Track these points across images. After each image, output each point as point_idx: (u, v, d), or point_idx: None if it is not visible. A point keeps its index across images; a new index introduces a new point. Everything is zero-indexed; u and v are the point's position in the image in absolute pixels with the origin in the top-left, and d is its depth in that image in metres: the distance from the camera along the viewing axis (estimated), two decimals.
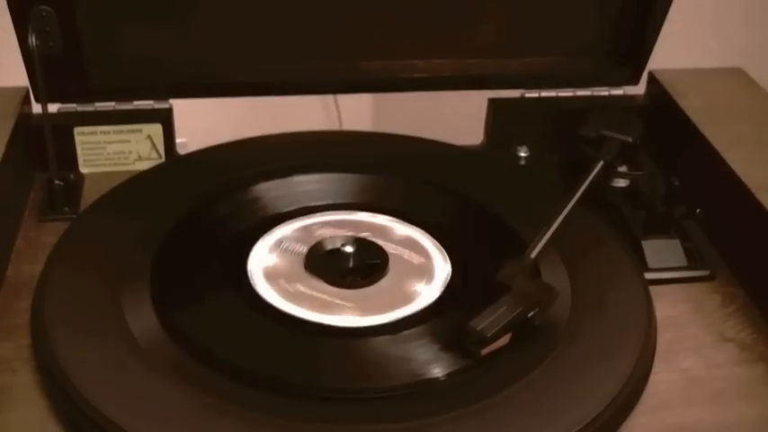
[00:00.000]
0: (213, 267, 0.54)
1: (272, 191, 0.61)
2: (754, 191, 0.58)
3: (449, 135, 0.67)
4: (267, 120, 0.72)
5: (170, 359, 0.46)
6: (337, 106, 0.99)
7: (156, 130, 0.68)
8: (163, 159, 0.68)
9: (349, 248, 0.57)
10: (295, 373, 0.47)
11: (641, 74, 0.70)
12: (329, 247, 0.57)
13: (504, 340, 0.49)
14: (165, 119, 0.68)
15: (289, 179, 0.61)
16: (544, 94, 0.71)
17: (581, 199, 0.57)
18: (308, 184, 0.61)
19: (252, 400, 0.44)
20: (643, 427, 0.49)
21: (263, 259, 0.55)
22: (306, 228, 0.58)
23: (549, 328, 0.50)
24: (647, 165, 0.66)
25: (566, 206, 0.57)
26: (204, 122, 0.79)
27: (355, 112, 0.98)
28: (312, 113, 0.98)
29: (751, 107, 0.68)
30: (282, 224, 0.58)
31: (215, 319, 0.50)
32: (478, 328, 0.48)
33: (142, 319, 0.49)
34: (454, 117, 0.79)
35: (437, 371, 0.49)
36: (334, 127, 0.98)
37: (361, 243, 0.57)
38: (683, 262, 0.60)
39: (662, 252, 0.60)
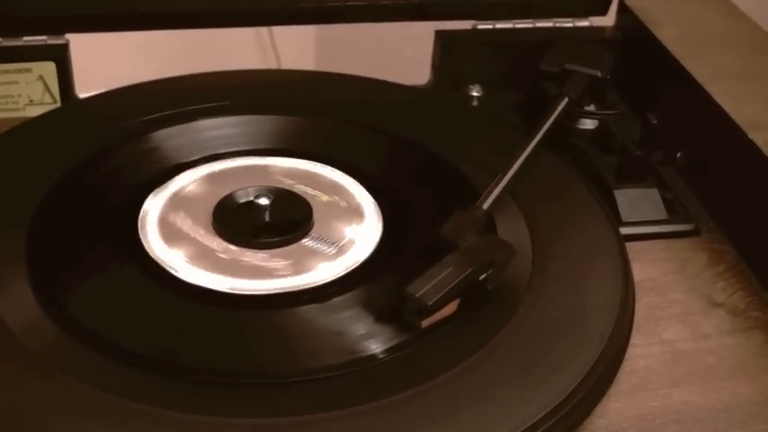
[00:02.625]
0: (103, 232, 0.48)
1: (174, 138, 0.55)
2: (744, 128, 0.53)
3: (398, 77, 0.61)
4: (195, 63, 0.66)
5: (53, 349, 0.41)
6: (275, 47, 0.92)
7: (48, 69, 0.62)
8: (58, 104, 0.62)
9: (264, 201, 0.50)
10: (193, 355, 0.42)
11: (610, 1, 0.65)
12: (240, 200, 0.51)
13: (450, 309, 0.44)
14: (60, 57, 0.61)
15: (193, 124, 0.55)
16: (499, 25, 0.66)
17: (543, 142, 0.52)
18: (214, 129, 0.56)
19: (145, 388, 0.39)
20: (619, 413, 0.43)
21: (159, 219, 0.50)
22: (208, 178, 0.53)
23: (505, 295, 0.45)
24: (618, 104, 0.61)
25: (525, 149, 0.52)
26: (124, 68, 0.73)
27: (297, 54, 0.93)
28: (247, 55, 0.92)
29: (735, 37, 0.62)
30: (179, 176, 0.52)
31: (104, 296, 0.45)
32: (417, 295, 0.42)
33: (16, 300, 0.43)
34: (403, 56, 0.74)
35: (366, 347, 0.43)
36: None
37: (279, 194, 0.51)
38: (662, 214, 0.54)
39: (638, 203, 0.54)
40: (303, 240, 0.49)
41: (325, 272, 0.47)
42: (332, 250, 0.49)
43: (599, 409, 0.43)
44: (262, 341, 0.43)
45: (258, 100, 0.58)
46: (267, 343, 0.43)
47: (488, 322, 0.44)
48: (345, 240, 0.49)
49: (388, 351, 0.42)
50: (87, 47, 0.65)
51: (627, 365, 0.45)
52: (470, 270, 0.44)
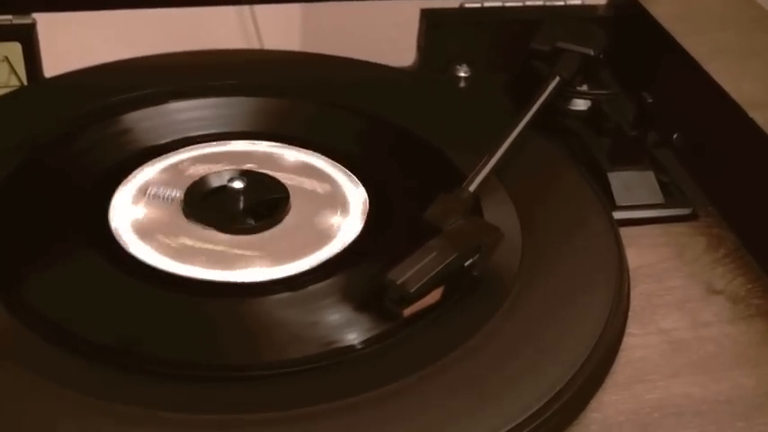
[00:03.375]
0: (66, 219, 0.46)
1: (144, 121, 0.53)
2: (744, 107, 0.51)
3: (385, 61, 0.60)
4: (174, 45, 0.63)
5: (4, 337, 0.39)
6: (257, 29, 0.90)
7: (14, 50, 0.60)
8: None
9: (238, 184, 0.48)
10: (157, 346, 0.40)
11: None
12: (213, 184, 0.49)
13: (434, 297, 0.42)
14: (26, 37, 0.59)
15: (164, 106, 0.54)
16: (487, 3, 0.64)
17: (533, 123, 0.50)
18: (187, 112, 0.54)
19: (103, 380, 0.38)
20: (614, 405, 0.42)
21: (127, 205, 0.48)
22: (174, 167, 0.51)
23: (493, 282, 0.44)
24: (611, 84, 0.60)
25: (513, 130, 0.50)
26: (97, 50, 0.69)
27: (281, 38, 0.90)
28: (228, 38, 0.89)
29: (734, 13, 0.61)
30: (144, 165, 0.50)
31: (64, 284, 0.43)
32: (398, 282, 0.40)
33: None
34: (390, 41, 0.71)
35: (343, 338, 0.41)
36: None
37: (254, 178, 0.49)
38: (658, 198, 0.53)
39: (633, 186, 0.53)
40: (279, 226, 0.47)
41: (301, 259, 0.46)
42: (309, 236, 0.47)
43: (594, 403, 0.42)
44: (230, 332, 0.42)
45: (234, 81, 0.56)
46: (235, 334, 0.42)
47: (475, 311, 0.42)
48: (324, 226, 0.48)
49: (367, 342, 0.41)
50: (58, 27, 0.63)
51: (623, 356, 0.44)
52: (455, 255, 0.42)
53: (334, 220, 0.48)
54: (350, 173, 0.51)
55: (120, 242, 0.45)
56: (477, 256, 0.43)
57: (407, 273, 0.41)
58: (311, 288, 0.43)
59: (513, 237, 0.46)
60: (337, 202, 0.49)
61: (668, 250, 0.51)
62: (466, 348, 0.40)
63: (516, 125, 0.50)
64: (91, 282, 0.43)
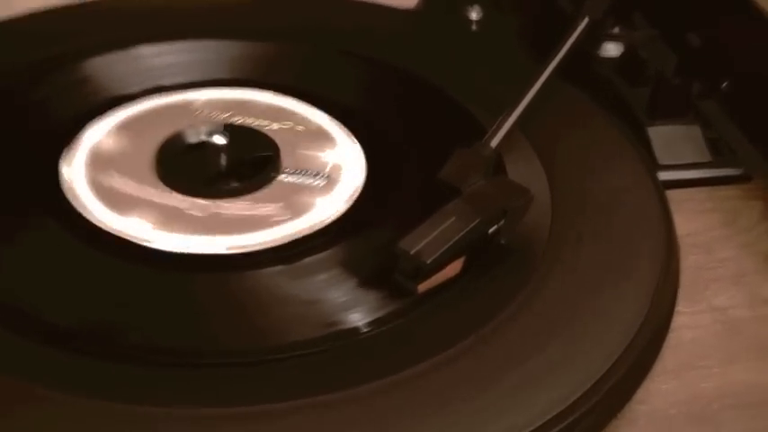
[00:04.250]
0: (21, 179, 0.46)
1: (110, 67, 0.52)
2: None
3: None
4: None
5: None
6: None
7: None
8: None
9: (220, 140, 0.48)
10: (134, 330, 0.39)
11: None
12: (190, 140, 0.48)
13: (453, 270, 0.41)
14: None
15: (132, 50, 0.53)
16: None
17: (559, 70, 0.49)
18: (157, 57, 0.53)
19: (75, 372, 0.37)
20: (664, 396, 0.41)
21: (93, 172, 0.46)
22: (144, 119, 0.50)
23: (521, 251, 0.43)
24: (646, 27, 0.58)
25: (539, 77, 0.49)
26: None
27: None
28: None
29: None
30: (110, 117, 0.49)
31: (22, 259, 0.42)
32: (412, 252, 0.40)
33: None
34: None
35: (347, 319, 0.40)
36: None
37: (237, 131, 0.48)
38: (705, 156, 0.52)
39: (676, 143, 0.52)
40: (267, 188, 0.46)
41: (295, 227, 0.44)
42: (303, 199, 0.46)
43: (640, 393, 0.40)
44: (218, 312, 0.41)
45: (210, 23, 0.55)
46: (224, 314, 0.41)
47: (501, 286, 0.42)
48: (321, 188, 0.47)
49: (375, 323, 0.40)
50: None
51: (672, 338, 0.42)
52: (477, 221, 0.41)
53: (333, 180, 0.48)
54: (349, 128, 0.50)
55: (83, 210, 0.44)
56: (502, 221, 0.43)
57: (422, 241, 0.40)
58: (307, 260, 0.43)
59: (542, 199, 0.45)
60: (336, 159, 0.49)
61: (717, 217, 0.50)
62: (489, 330, 0.39)
63: (542, 72, 0.49)
64: (48, 254, 0.42)
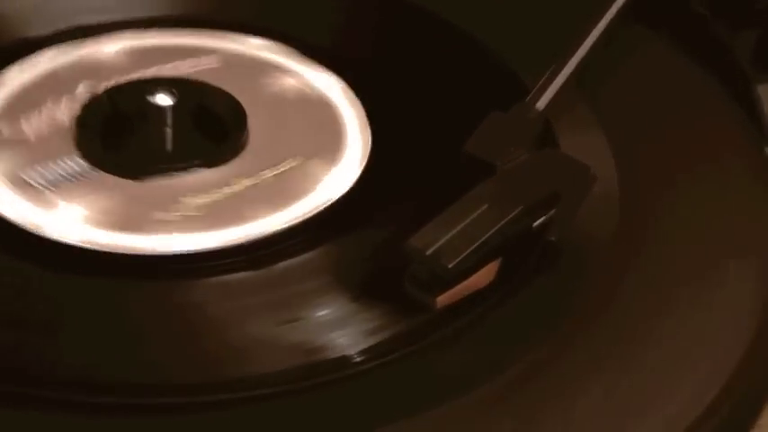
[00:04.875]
0: None
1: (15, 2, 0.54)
2: None
3: None
4: None
5: None
6: None
7: None
8: None
9: (163, 100, 0.48)
10: (50, 359, 0.40)
11: None
12: (121, 102, 0.49)
13: (483, 278, 0.41)
14: None
15: None
16: None
17: (628, 8, 0.51)
18: None
19: None
20: None
21: None
22: (61, 72, 0.51)
23: (578, 254, 0.43)
24: None
25: (602, 18, 0.50)
26: None
27: None
28: None
29: None
30: (12, 69, 0.51)
31: None
32: (428, 253, 0.39)
33: None
34: None
35: (336, 346, 0.40)
36: None
37: (187, 89, 0.49)
38: None
39: None
40: (229, 165, 0.47)
41: (266, 218, 0.45)
42: (278, 183, 0.47)
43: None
44: (162, 333, 0.41)
45: None
46: (172, 337, 0.41)
47: (551, 300, 0.42)
48: (302, 167, 0.48)
49: (374, 352, 0.40)
50: None
51: None
52: (518, 210, 0.41)
53: (317, 157, 0.48)
54: (346, 81, 0.51)
55: None
56: (552, 211, 0.42)
57: (442, 238, 0.40)
58: (282, 264, 0.43)
59: (607, 181, 0.45)
60: (322, 127, 0.49)
61: None
62: (535, 361, 0.39)
63: (605, 11, 0.50)
64: None
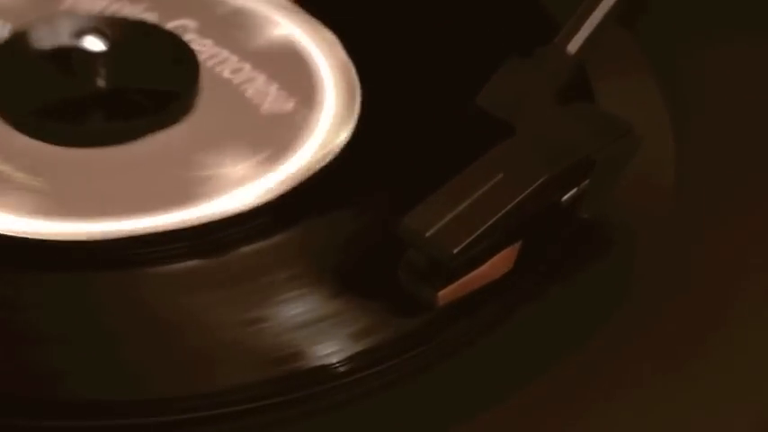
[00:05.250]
0: None
1: None
2: None
3: None
4: None
5: None
6: None
7: None
8: None
9: (95, 44, 0.48)
10: None
11: None
12: (42, 44, 0.49)
13: (498, 267, 0.41)
14: None
15: None
16: None
17: None
18: None
19: None
20: None
21: None
22: None
23: (619, 238, 0.44)
24: None
25: None
26: None
27: None
28: None
29: None
30: None
31: None
32: (428, 235, 0.39)
33: None
34: None
35: (313, 353, 0.40)
36: None
37: (124, 30, 0.49)
38: None
39: None
40: (178, 127, 0.47)
41: (223, 195, 0.45)
42: (239, 148, 0.47)
43: None
44: (88, 339, 0.41)
45: None
46: (99, 343, 0.41)
47: (584, 298, 0.42)
48: (269, 127, 0.48)
49: (358, 361, 0.40)
50: None
51: None
52: (542, 180, 0.41)
53: (290, 120, 0.48)
54: (326, 23, 0.52)
55: None
56: (586, 182, 0.42)
57: (445, 217, 0.39)
58: (244, 250, 0.43)
59: (658, 145, 0.45)
60: (298, 83, 0.49)
61: None
62: (565, 373, 0.40)
63: None
64: None
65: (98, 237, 0.44)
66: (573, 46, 0.46)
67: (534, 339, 0.41)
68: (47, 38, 0.49)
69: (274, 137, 0.48)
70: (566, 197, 0.42)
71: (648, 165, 0.44)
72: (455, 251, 0.39)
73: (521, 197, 0.40)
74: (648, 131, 0.44)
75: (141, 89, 0.49)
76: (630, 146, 0.43)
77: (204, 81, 0.49)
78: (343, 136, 0.47)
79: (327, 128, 0.48)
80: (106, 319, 0.42)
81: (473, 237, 0.39)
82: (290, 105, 0.50)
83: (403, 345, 0.40)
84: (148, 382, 0.40)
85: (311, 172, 0.46)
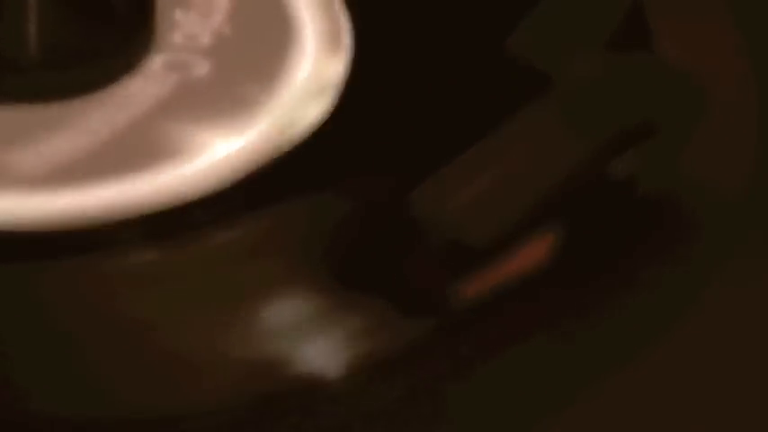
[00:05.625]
0: None
1: None
2: None
3: None
4: None
5: None
6: None
7: None
8: None
9: None
10: None
11: None
12: None
13: (530, 255, 0.41)
14: None
15: None
16: None
17: None
18: None
19: None
20: None
21: None
22: None
23: (688, 216, 0.44)
24: None
25: None
26: None
27: None
28: None
29: None
30: None
31: None
32: (444, 215, 0.40)
33: None
34: None
35: (303, 364, 0.41)
36: None
37: None
38: None
39: None
40: (135, 82, 0.47)
41: (189, 164, 0.45)
42: (206, 109, 0.47)
43: None
44: (44, 344, 0.41)
45: None
46: (57, 349, 0.41)
47: (645, 288, 0.41)
48: (244, 83, 0.48)
49: (360, 369, 0.39)
50: None
51: None
52: (587, 148, 0.41)
53: (266, 72, 0.48)
54: None
55: None
56: (644, 150, 0.42)
57: (465, 193, 0.39)
58: (221, 236, 0.43)
59: (735, 103, 0.45)
60: (276, 27, 0.49)
61: None
62: (613, 391, 0.39)
63: None
64: None
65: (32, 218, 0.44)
66: None
67: (578, 355, 0.40)
68: None
69: (248, 91, 0.47)
70: (618, 169, 0.41)
71: (723, 129, 0.44)
72: (478, 235, 0.38)
73: (560, 168, 0.40)
74: (724, 87, 0.44)
75: (77, 28, 0.48)
76: (699, 105, 0.42)
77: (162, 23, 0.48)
78: (325, 99, 0.47)
79: (311, 74, 0.48)
80: (48, 321, 0.41)
81: (499, 218, 0.39)
82: (265, 50, 0.49)
83: (405, 351, 0.40)
84: (102, 396, 0.40)
85: (293, 138, 0.45)
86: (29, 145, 0.47)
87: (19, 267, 0.44)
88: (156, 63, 0.49)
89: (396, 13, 0.50)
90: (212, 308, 0.42)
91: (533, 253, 0.41)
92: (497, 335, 0.41)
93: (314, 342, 0.41)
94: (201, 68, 0.49)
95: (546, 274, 0.42)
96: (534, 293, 0.41)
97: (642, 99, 0.43)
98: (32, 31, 0.49)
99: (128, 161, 0.46)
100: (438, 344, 0.40)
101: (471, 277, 0.40)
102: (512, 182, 0.41)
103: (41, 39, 0.49)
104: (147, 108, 0.47)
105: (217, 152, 0.47)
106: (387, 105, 0.47)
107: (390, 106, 0.47)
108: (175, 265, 0.43)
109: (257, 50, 0.50)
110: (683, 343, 0.41)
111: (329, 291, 0.42)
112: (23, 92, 0.47)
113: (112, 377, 0.41)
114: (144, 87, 0.48)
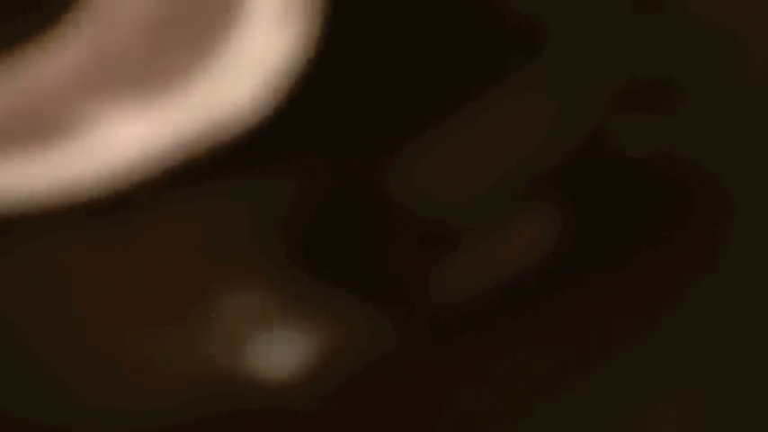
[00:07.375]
0: None
1: None
2: None
3: None
4: None
5: None
6: None
7: None
8: None
9: None
10: None
11: None
12: None
13: (529, 236, 0.40)
14: None
15: None
16: None
17: None
18: None
19: None
20: None
21: None
22: None
23: (719, 192, 0.41)
24: None
25: None
26: None
27: None
28: None
29: None
30: None
31: None
32: (426, 193, 0.40)
33: None
34: None
35: (259, 365, 0.40)
36: None
37: None
38: None
39: None
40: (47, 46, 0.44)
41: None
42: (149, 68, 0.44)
43: None
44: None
45: None
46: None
47: (670, 272, 0.39)
48: (192, 38, 0.45)
49: (327, 376, 0.38)
50: None
51: None
52: (601, 112, 0.39)
53: (215, 28, 0.45)
54: None
55: None
56: (668, 118, 0.40)
57: (451, 166, 0.39)
58: (159, 221, 0.42)
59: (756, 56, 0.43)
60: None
61: None
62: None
63: None
64: None
65: None
66: None
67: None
68: None
69: (178, 64, 0.44)
70: (632, 137, 0.39)
71: (760, 93, 0.40)
72: (466, 215, 0.37)
73: (563, 137, 0.38)
74: (762, 46, 0.41)
75: None
76: (733, 66, 0.40)
77: None
78: (290, 56, 0.44)
79: (257, 48, 0.44)
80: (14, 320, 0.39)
81: (492, 194, 0.37)
82: (206, 20, 0.46)
83: (387, 353, 0.38)
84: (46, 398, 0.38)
85: (248, 111, 0.42)
86: None
87: None
88: (73, 25, 0.46)
89: None
90: (158, 307, 0.40)
91: (536, 235, 0.39)
92: (493, 336, 0.39)
93: (282, 341, 0.39)
94: (129, 36, 0.46)
95: (549, 260, 0.39)
96: (537, 279, 0.39)
97: (666, 58, 0.41)
98: None
99: (24, 141, 0.43)
100: (414, 346, 0.39)
101: (452, 264, 0.38)
102: (506, 154, 0.39)
103: None
104: (55, 77, 0.44)
105: (128, 134, 0.44)
106: (361, 73, 0.45)
107: (365, 72, 0.45)
108: (112, 250, 0.41)
109: (197, 20, 0.47)
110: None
111: (304, 281, 0.39)
112: None
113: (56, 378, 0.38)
114: (55, 53, 0.45)
